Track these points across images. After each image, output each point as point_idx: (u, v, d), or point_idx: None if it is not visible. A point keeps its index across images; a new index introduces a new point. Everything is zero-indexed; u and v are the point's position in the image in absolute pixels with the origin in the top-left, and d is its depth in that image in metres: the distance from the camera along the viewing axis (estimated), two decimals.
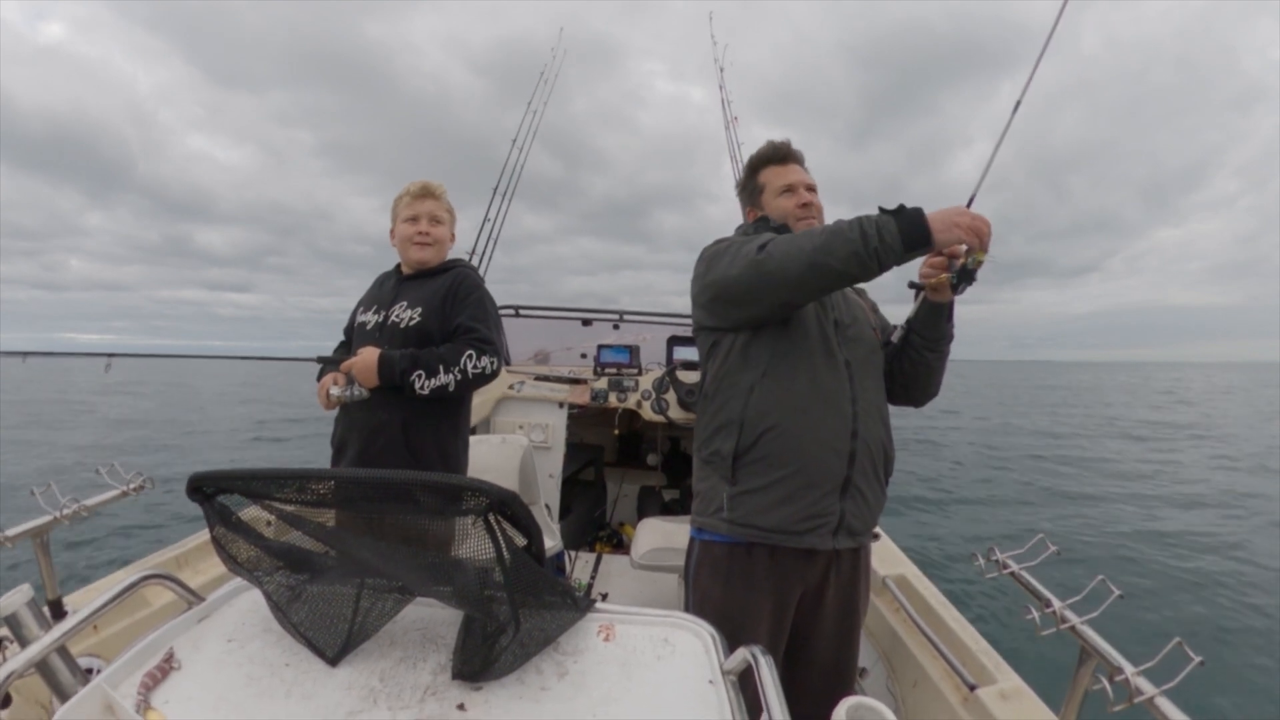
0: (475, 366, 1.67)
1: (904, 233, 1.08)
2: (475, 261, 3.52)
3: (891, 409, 1.48)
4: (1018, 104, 1.35)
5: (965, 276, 1.24)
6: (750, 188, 1.54)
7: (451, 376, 1.65)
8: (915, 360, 1.43)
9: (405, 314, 1.75)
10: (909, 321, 1.43)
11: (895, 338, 1.46)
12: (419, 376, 1.63)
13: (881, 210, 1.12)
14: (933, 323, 1.38)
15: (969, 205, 1.28)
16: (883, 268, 1.12)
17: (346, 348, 1.93)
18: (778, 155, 1.51)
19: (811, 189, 1.48)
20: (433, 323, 1.74)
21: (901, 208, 1.11)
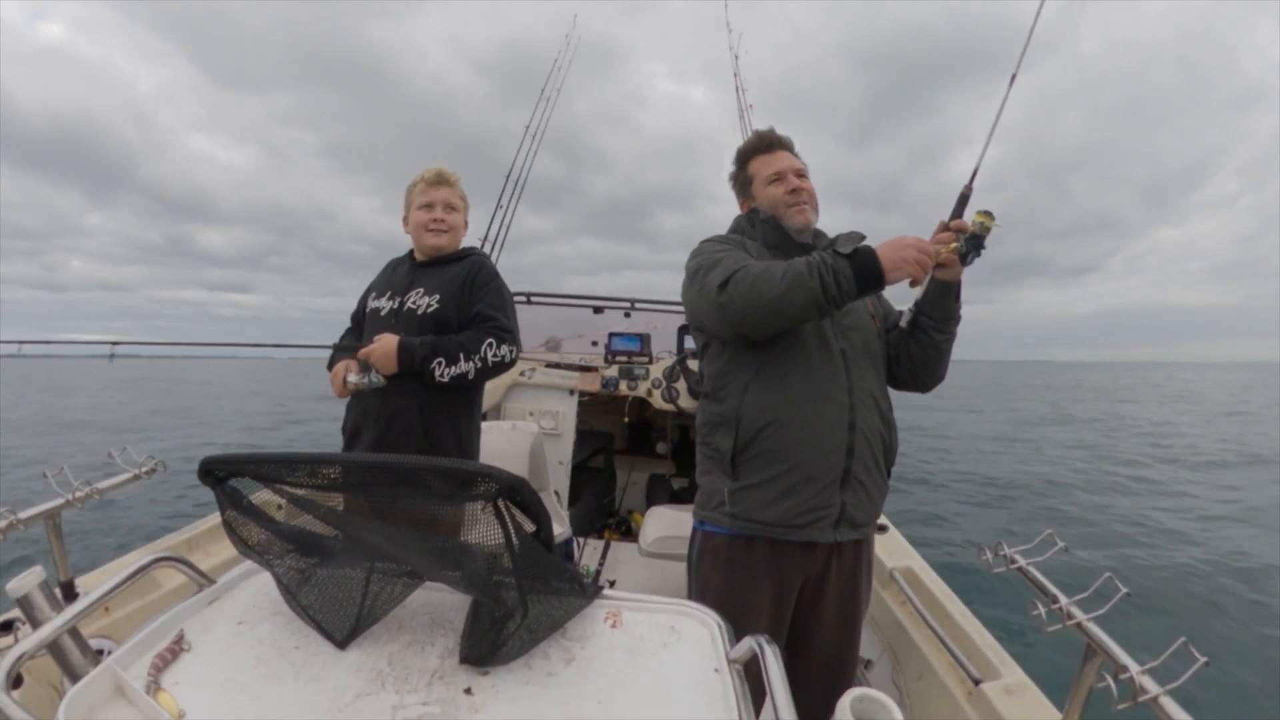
0: (495, 355, 1.68)
1: (859, 276, 1.17)
2: (487, 249, 3.51)
3: (907, 399, 1.49)
4: (1013, 77, 1.38)
5: (974, 244, 1.25)
6: (741, 179, 1.56)
7: (472, 364, 1.65)
8: (924, 343, 1.43)
9: (422, 300, 1.74)
10: (918, 303, 1.44)
11: (904, 322, 1.46)
12: (439, 364, 1.63)
13: (835, 253, 1.19)
14: (941, 302, 1.39)
15: (971, 180, 1.34)
16: (838, 309, 1.23)
17: (355, 334, 1.91)
18: (763, 144, 1.53)
19: (801, 174, 1.49)
20: (451, 310, 1.74)
21: (856, 251, 1.18)
